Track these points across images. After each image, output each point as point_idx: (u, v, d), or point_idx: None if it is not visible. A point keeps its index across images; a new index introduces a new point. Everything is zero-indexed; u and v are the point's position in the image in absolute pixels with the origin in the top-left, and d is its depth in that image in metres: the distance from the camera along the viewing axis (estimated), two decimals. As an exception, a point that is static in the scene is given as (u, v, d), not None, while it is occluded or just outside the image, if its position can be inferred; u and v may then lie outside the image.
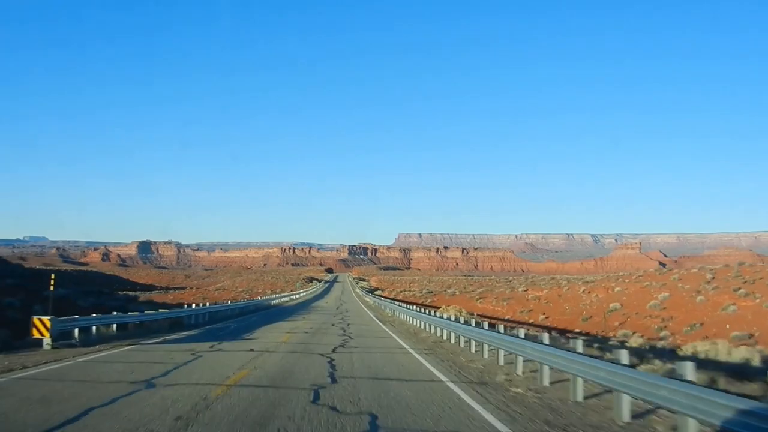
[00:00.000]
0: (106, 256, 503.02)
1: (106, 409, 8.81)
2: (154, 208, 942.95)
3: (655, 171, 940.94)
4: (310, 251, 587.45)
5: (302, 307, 56.16)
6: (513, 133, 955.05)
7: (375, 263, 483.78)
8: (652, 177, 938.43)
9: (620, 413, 8.62)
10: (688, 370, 7.31)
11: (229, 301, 47.55)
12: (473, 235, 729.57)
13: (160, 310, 30.20)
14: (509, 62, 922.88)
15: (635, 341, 26.35)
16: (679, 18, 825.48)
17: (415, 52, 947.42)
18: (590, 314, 33.74)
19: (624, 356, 8.89)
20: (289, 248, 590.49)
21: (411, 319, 32.21)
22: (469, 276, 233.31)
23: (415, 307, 37.50)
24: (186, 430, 7.64)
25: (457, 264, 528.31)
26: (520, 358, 13.08)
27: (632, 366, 8.98)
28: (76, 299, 40.07)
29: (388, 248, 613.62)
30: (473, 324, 20.62)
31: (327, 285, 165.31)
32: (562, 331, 30.54)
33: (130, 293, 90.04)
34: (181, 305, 42.19)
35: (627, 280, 39.76)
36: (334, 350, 17.72)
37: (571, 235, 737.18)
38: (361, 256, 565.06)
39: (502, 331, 15.88)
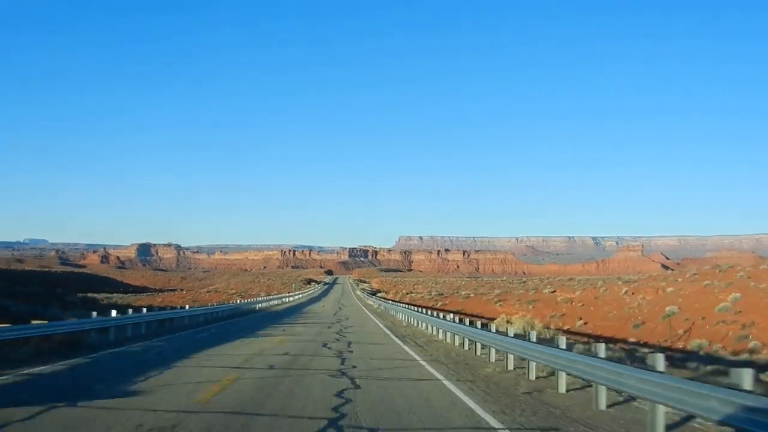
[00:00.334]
0: (105, 259, 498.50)
1: None
2: (154, 210, 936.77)
3: (656, 173, 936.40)
4: (310, 254, 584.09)
5: (292, 312, 47.84)
6: (513, 135, 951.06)
7: (375, 266, 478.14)
8: (653, 179, 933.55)
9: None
10: None
11: (214, 304, 41.74)
12: (474, 237, 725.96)
13: (33, 322, 18.43)
14: (509, 64, 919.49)
15: (717, 352, 20.70)
16: (680, 20, 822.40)
17: (417, 55, 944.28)
18: (642, 319, 28.09)
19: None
20: (289, 251, 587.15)
21: (438, 331, 23.70)
22: (477, 278, 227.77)
23: (438, 314, 28.08)
24: None
25: (458, 267, 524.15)
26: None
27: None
28: (10, 307, 33.80)
29: (389, 251, 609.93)
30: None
31: (326, 287, 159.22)
32: (610, 340, 24.91)
33: (111, 296, 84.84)
34: (163, 308, 36.68)
35: (679, 279, 34.07)
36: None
37: (572, 237, 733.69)
38: (362, 259, 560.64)
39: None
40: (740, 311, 25.13)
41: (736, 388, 6.24)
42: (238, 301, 53.28)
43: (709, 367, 14.40)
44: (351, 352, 18.26)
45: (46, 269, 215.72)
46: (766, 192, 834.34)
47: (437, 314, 28.68)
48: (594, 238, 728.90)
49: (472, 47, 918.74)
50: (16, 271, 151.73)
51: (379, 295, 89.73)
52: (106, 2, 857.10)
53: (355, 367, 14.57)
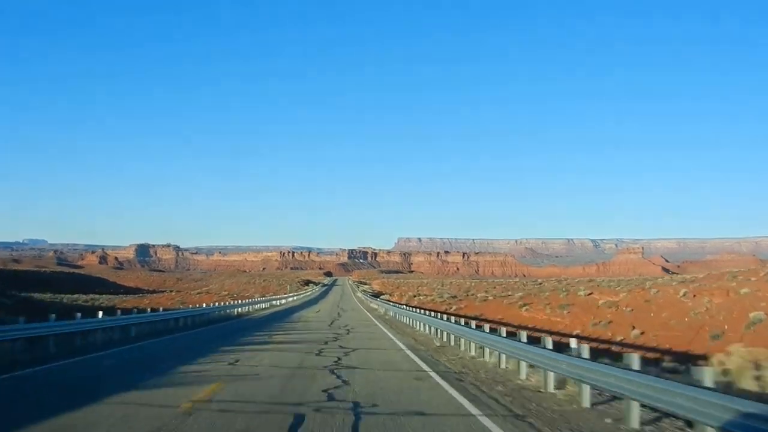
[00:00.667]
0: (103, 259, 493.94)
1: None
2: (154, 211, 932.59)
3: (655, 176, 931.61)
4: (309, 255, 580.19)
5: (276, 320, 38.31)
6: (513, 137, 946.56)
7: (375, 267, 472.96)
8: (652, 182, 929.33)
9: None
10: None
11: (200, 305, 35.93)
12: (473, 239, 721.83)
13: None
14: (509, 66, 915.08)
15: None
16: (680, 22, 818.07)
17: (417, 58, 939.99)
18: (720, 329, 22.69)
19: None
20: (289, 252, 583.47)
21: (501, 358, 15.18)
22: (479, 279, 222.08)
23: (484, 328, 17.63)
24: None
25: (458, 269, 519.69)
26: None
27: None
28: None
29: (388, 252, 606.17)
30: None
31: (324, 288, 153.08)
32: (686, 356, 19.57)
33: (99, 297, 79.67)
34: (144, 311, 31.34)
35: (753, 278, 28.50)
36: None
37: (571, 240, 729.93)
38: (361, 261, 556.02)
39: None
40: None
41: None
42: (192, 306, 43.30)
43: None
44: (362, 418, 8.98)
45: (43, 269, 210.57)
46: (765, 195, 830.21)
47: (478, 326, 19.09)
48: (593, 241, 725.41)
49: (471, 52, 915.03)
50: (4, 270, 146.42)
51: (382, 297, 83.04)
52: (105, 2, 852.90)
53: None
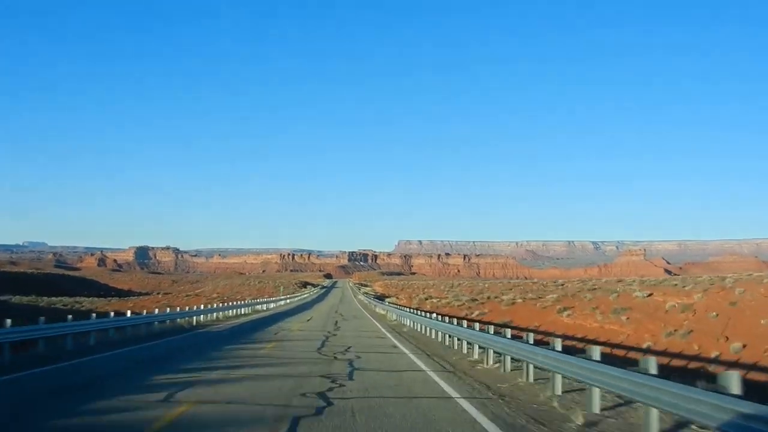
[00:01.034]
0: (102, 262, 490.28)
1: None
2: (154, 214, 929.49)
3: (655, 178, 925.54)
4: (309, 258, 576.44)
5: (245, 333, 28.15)
6: (513, 138, 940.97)
7: (375, 270, 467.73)
8: (653, 184, 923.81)
9: None
10: None
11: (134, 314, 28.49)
12: (473, 242, 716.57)
13: None
14: (509, 70, 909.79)
15: None
16: (680, 23, 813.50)
17: (417, 63, 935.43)
18: None
19: None
20: (288, 255, 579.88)
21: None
22: (483, 281, 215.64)
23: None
24: None
25: (458, 271, 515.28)
26: None
27: None
28: None
29: (389, 255, 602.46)
30: None
31: (323, 291, 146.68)
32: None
33: (86, 299, 73.72)
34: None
35: None
36: None
37: (572, 242, 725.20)
38: (361, 263, 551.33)
39: None
40: None
41: None
42: (169, 310, 32.85)
43: None
44: None
45: (38, 271, 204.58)
46: (766, 197, 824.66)
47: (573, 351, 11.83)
48: (594, 243, 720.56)
49: (471, 57, 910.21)
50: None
51: (388, 300, 75.10)
52: (110, 8, 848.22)
53: None
